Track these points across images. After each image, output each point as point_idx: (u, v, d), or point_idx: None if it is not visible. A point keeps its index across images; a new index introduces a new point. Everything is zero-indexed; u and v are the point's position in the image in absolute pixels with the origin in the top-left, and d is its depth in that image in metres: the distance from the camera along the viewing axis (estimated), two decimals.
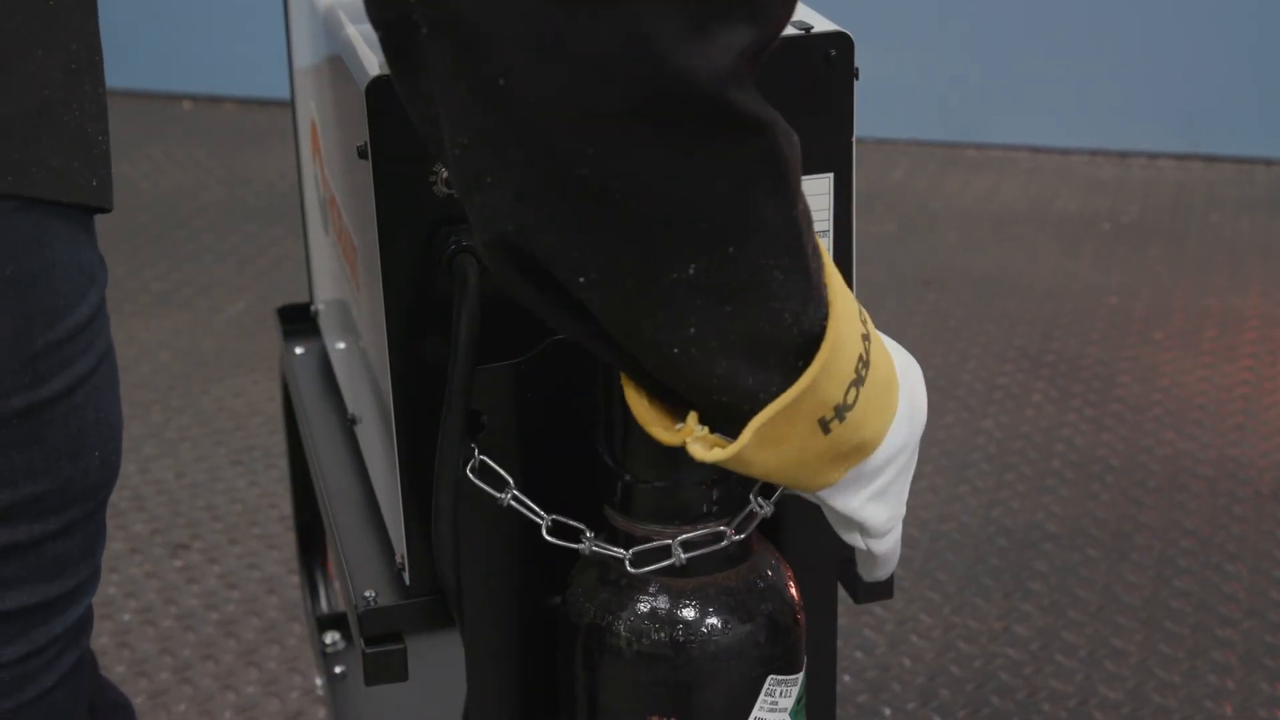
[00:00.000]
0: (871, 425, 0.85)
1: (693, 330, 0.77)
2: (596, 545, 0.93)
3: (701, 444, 0.81)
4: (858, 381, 0.83)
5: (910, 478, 0.91)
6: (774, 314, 0.78)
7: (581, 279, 0.75)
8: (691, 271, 0.75)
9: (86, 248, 0.95)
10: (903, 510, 0.92)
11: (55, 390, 0.93)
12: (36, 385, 0.92)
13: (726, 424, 0.82)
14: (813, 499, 0.89)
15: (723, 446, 0.81)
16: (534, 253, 0.75)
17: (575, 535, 0.94)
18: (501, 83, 0.71)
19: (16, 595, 0.95)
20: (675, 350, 0.78)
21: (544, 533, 0.94)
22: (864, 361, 0.84)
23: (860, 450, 0.86)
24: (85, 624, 1.02)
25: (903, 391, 0.89)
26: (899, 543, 0.93)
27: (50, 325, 0.91)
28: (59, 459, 0.94)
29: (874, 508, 0.89)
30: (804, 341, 0.81)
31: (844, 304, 0.83)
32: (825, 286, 0.82)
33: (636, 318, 0.77)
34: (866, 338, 0.85)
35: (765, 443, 0.81)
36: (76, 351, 0.94)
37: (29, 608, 0.96)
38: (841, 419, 0.83)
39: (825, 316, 0.81)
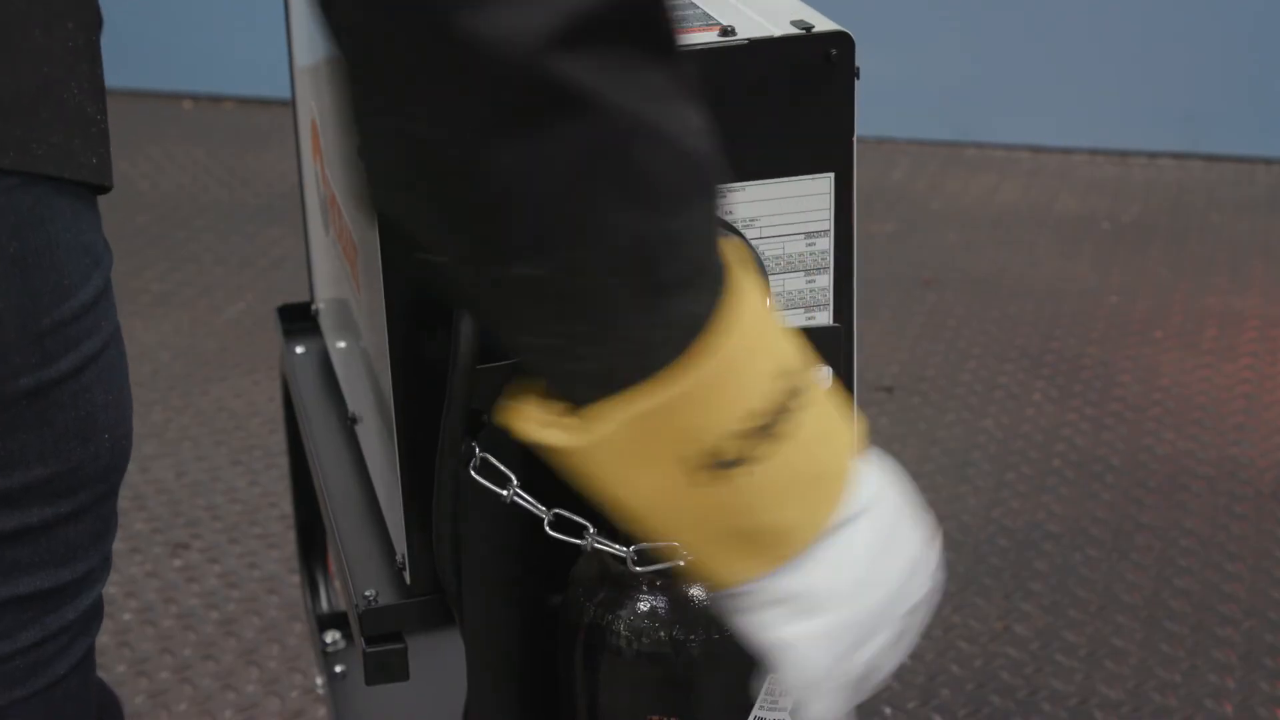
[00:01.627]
0: (788, 511, 0.73)
1: (526, 339, 0.73)
2: (598, 541, 0.93)
3: (556, 429, 0.73)
4: (763, 433, 0.71)
5: (890, 655, 0.78)
6: (621, 343, 0.70)
7: (441, 257, 0.72)
8: (522, 272, 0.69)
9: (90, 228, 0.94)
10: (860, 680, 0.77)
11: (63, 370, 0.93)
12: (44, 365, 0.91)
13: None
14: (729, 607, 0.77)
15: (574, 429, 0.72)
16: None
17: (577, 532, 0.94)
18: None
19: (30, 579, 0.95)
20: (518, 357, 0.74)
21: (545, 527, 0.94)
22: (780, 413, 0.72)
23: (775, 541, 0.73)
24: (96, 612, 1.01)
25: (869, 518, 0.78)
26: None
27: (56, 304, 0.91)
28: (69, 441, 0.94)
29: (810, 648, 0.75)
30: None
31: (757, 335, 0.72)
32: (709, 326, 0.71)
33: (479, 311, 0.73)
34: (795, 394, 0.73)
35: (625, 446, 0.71)
36: (83, 332, 0.93)
37: (42, 592, 0.96)
38: (725, 468, 0.70)
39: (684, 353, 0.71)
